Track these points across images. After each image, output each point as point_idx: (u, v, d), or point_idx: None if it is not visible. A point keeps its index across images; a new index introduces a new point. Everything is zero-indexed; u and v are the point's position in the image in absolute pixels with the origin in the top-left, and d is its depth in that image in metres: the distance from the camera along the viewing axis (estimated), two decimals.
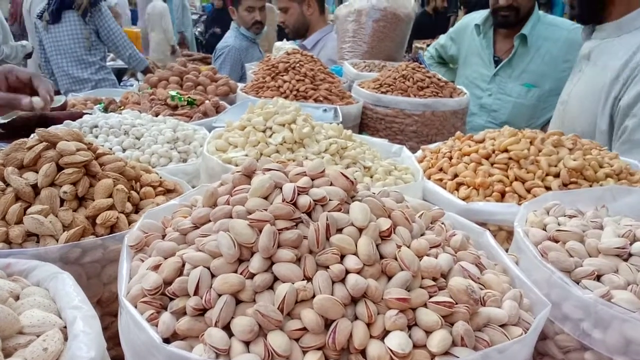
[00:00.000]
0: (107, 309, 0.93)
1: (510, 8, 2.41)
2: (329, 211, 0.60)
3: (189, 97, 1.98)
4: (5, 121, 1.79)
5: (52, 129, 1.04)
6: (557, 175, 1.05)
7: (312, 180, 0.64)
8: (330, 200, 0.62)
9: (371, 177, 1.11)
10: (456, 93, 2.23)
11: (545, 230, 0.77)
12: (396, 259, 0.58)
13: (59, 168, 1.00)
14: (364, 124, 2.22)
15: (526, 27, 2.46)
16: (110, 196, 1.00)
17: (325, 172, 0.65)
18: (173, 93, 1.98)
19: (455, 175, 1.13)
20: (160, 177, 1.16)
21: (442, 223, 0.75)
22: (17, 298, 0.61)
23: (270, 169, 0.66)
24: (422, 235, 0.67)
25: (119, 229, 0.96)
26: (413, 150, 2.16)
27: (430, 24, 6.58)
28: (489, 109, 2.58)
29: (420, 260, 0.59)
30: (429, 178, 1.15)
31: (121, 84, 6.45)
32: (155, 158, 1.41)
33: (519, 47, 2.48)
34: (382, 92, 2.19)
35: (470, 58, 2.70)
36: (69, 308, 0.56)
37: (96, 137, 1.48)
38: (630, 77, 1.43)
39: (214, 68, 2.60)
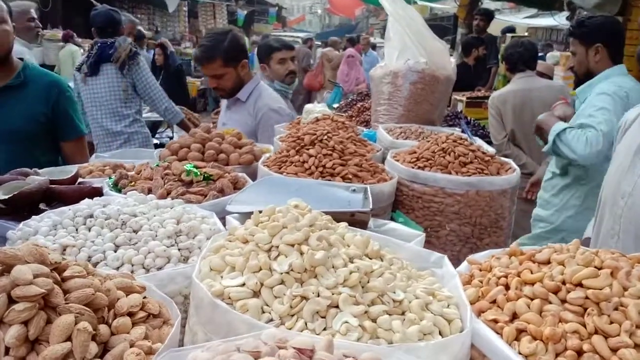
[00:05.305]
0: None
1: None
2: None
3: (205, 172, 1.80)
4: (6, 197, 1.65)
5: (13, 250, 0.85)
6: None
7: None
8: None
9: (402, 313, 0.86)
10: (504, 169, 1.97)
11: None
12: None
13: (11, 299, 0.80)
14: (398, 201, 1.98)
15: None
16: (69, 339, 0.79)
17: None
18: (189, 167, 1.81)
19: (515, 315, 0.87)
20: (144, 297, 0.95)
21: None
22: None
23: None
24: None
25: None
26: (455, 234, 1.93)
27: (470, 75, 6.33)
28: None
29: None
30: (479, 314, 0.89)
31: (157, 135, 6.46)
32: (150, 259, 1.21)
33: None
34: (419, 168, 1.95)
35: None
36: None
37: (89, 229, 1.29)
38: None
39: (239, 133, 2.44)
